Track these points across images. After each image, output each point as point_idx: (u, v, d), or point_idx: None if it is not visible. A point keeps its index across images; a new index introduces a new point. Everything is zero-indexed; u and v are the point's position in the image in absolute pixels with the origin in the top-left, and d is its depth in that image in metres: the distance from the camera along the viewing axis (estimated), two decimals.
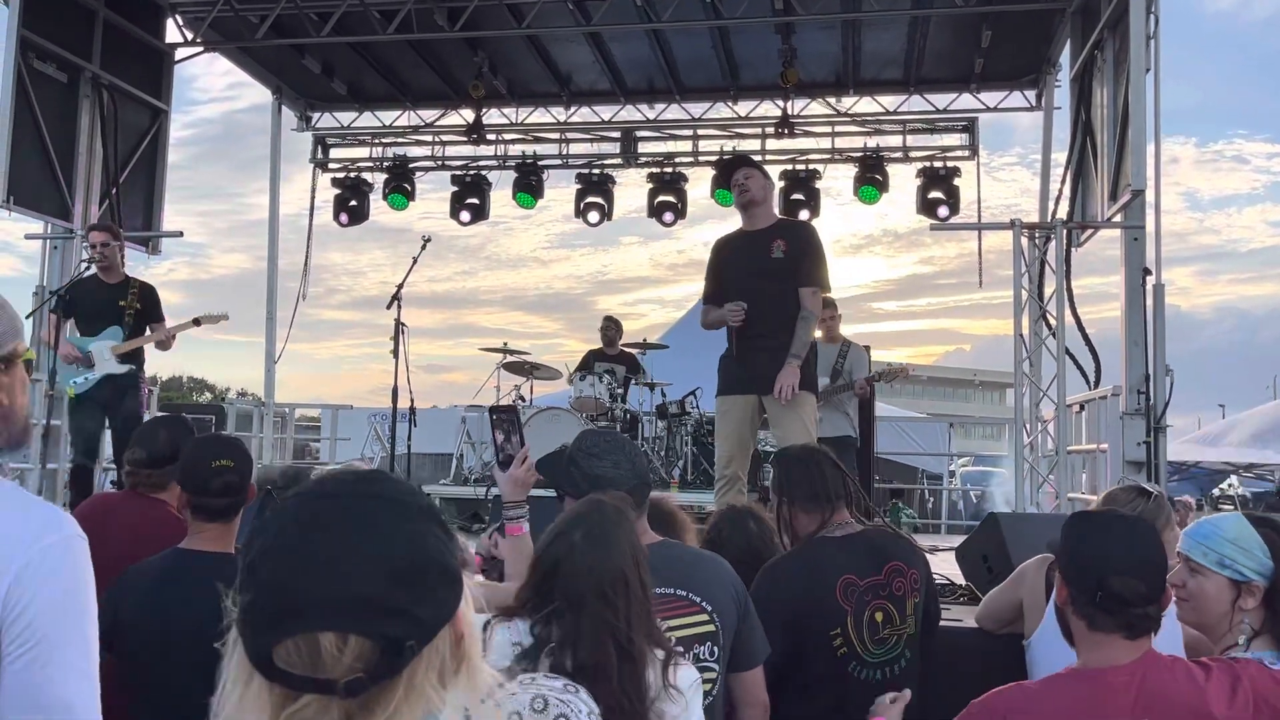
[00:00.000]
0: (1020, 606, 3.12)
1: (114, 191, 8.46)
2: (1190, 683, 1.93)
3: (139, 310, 6.20)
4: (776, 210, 5.22)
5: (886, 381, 7.53)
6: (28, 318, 7.54)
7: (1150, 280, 6.65)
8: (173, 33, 9.01)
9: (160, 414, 5.20)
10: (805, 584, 2.84)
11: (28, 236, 8.22)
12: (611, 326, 9.68)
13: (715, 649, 2.40)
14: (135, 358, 6.23)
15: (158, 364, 7.26)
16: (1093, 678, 1.96)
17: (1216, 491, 17.14)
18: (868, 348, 7.60)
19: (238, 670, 0.90)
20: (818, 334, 6.22)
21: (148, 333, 6.26)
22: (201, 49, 9.03)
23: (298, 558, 0.89)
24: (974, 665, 3.19)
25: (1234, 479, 16.06)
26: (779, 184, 10.44)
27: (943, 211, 10.11)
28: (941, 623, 3.70)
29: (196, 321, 6.46)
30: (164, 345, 6.37)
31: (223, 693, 0.92)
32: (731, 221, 5.43)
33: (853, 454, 7.27)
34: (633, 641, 1.88)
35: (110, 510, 3.38)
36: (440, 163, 11.39)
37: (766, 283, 4.84)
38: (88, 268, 6.34)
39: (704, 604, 2.39)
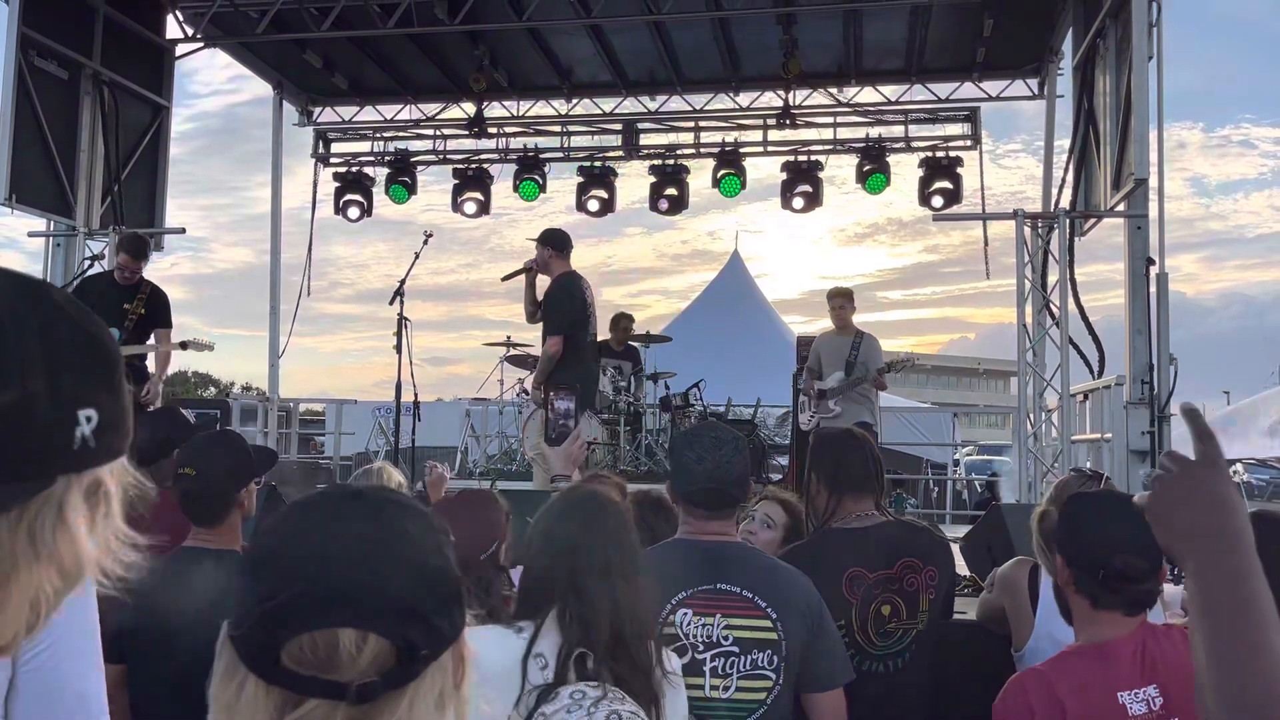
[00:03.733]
0: (1004, 612, 3.07)
1: (116, 188, 8.47)
2: (1189, 648, 1.96)
3: (142, 316, 6.14)
4: (570, 264, 6.42)
5: (895, 372, 7.65)
6: None
7: (1154, 269, 6.63)
8: (173, 29, 9.01)
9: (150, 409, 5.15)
10: (811, 575, 2.84)
11: (31, 234, 8.23)
12: (624, 324, 9.63)
13: (775, 658, 2.37)
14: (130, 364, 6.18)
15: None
16: (1097, 650, 2.02)
17: None
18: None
19: (228, 669, 0.85)
20: (829, 324, 7.61)
21: (152, 339, 6.22)
22: (202, 45, 9.03)
23: (328, 550, 0.85)
24: (973, 660, 3.18)
25: (1239, 466, 16.00)
26: (782, 175, 10.46)
27: (939, 201, 10.08)
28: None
29: (183, 345, 6.36)
30: (159, 363, 6.25)
31: (214, 693, 0.87)
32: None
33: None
34: (635, 623, 1.88)
35: None
36: (442, 156, 11.38)
37: (542, 327, 6.33)
38: (90, 265, 6.35)
39: (769, 610, 2.37)
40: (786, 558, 2.95)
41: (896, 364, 7.63)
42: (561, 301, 6.23)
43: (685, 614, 2.35)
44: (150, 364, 6.30)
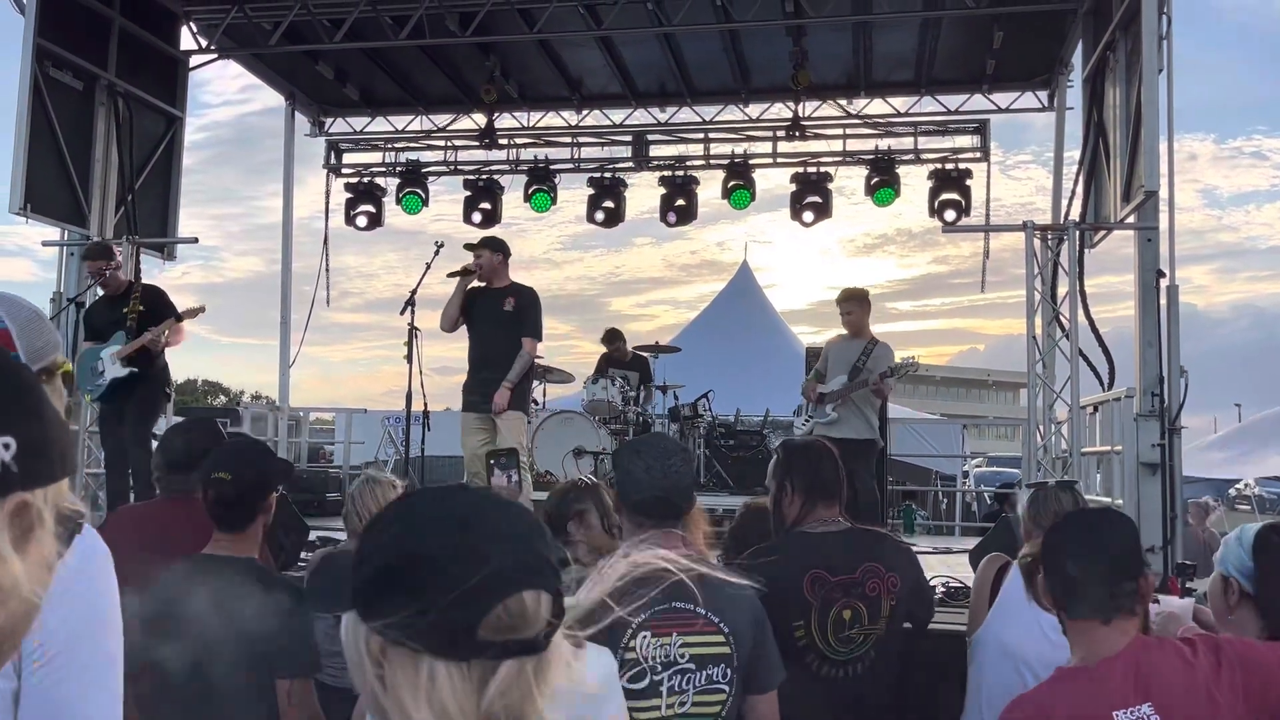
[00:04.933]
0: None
1: (129, 198, 8.52)
2: (1182, 661, 2.00)
3: (141, 313, 6.25)
4: (511, 275, 6.62)
5: (898, 377, 7.39)
6: None
7: (1164, 281, 6.62)
8: (187, 40, 9.07)
9: (183, 419, 5.23)
10: (773, 574, 2.82)
11: (45, 244, 8.29)
12: (616, 339, 9.68)
13: (729, 671, 2.39)
14: (143, 359, 6.23)
15: (170, 368, 7.28)
16: (1090, 673, 2.01)
17: (1233, 492, 17.02)
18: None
19: (404, 665, 0.93)
20: (842, 331, 7.40)
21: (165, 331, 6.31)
22: (215, 56, 9.09)
23: (484, 534, 0.97)
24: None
25: (1250, 479, 15.93)
26: (791, 187, 10.49)
27: (951, 214, 10.09)
28: (952, 627, 3.70)
29: (178, 318, 6.37)
30: (155, 345, 6.24)
31: (394, 691, 0.93)
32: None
33: (874, 457, 7.28)
34: None
35: (140, 519, 3.40)
36: (452, 167, 11.44)
37: (498, 330, 6.37)
38: (94, 282, 6.46)
39: (722, 625, 2.39)
40: (751, 558, 2.96)
41: (898, 368, 7.27)
42: (539, 308, 6.50)
43: (644, 636, 2.34)
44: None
